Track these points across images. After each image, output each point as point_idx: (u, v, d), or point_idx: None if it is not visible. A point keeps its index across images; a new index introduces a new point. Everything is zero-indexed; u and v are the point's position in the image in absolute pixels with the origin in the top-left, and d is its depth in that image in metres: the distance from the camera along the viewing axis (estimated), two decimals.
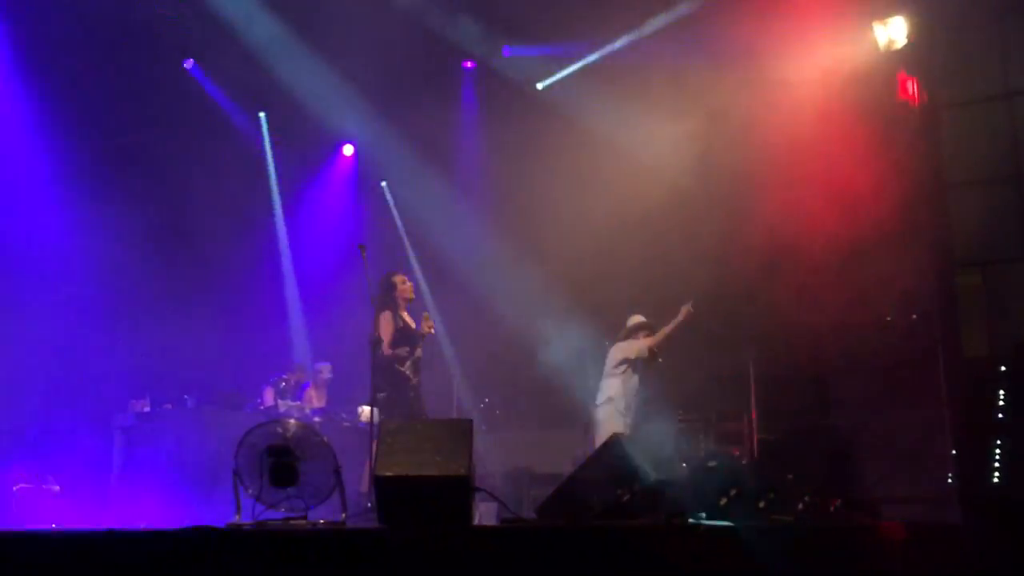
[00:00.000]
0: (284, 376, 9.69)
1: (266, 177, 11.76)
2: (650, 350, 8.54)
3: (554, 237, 10.38)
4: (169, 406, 8.97)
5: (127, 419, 8.89)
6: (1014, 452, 8.12)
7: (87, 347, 9.33)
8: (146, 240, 10.04)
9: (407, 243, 12.08)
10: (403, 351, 7.57)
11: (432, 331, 7.82)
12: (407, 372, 7.57)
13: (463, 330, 11.00)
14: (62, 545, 4.58)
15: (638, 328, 8.73)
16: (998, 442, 8.14)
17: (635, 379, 8.58)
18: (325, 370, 10.03)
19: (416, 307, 8.11)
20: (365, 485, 7.55)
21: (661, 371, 8.84)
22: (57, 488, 8.20)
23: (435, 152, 11.44)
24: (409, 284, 7.91)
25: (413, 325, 7.79)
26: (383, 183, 12.39)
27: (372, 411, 7.10)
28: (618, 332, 8.97)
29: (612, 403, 8.44)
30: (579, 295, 10.09)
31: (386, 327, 7.47)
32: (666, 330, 8.56)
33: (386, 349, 7.45)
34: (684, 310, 8.51)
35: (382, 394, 7.41)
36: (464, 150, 11.64)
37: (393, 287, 7.72)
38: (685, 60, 9.45)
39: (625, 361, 8.52)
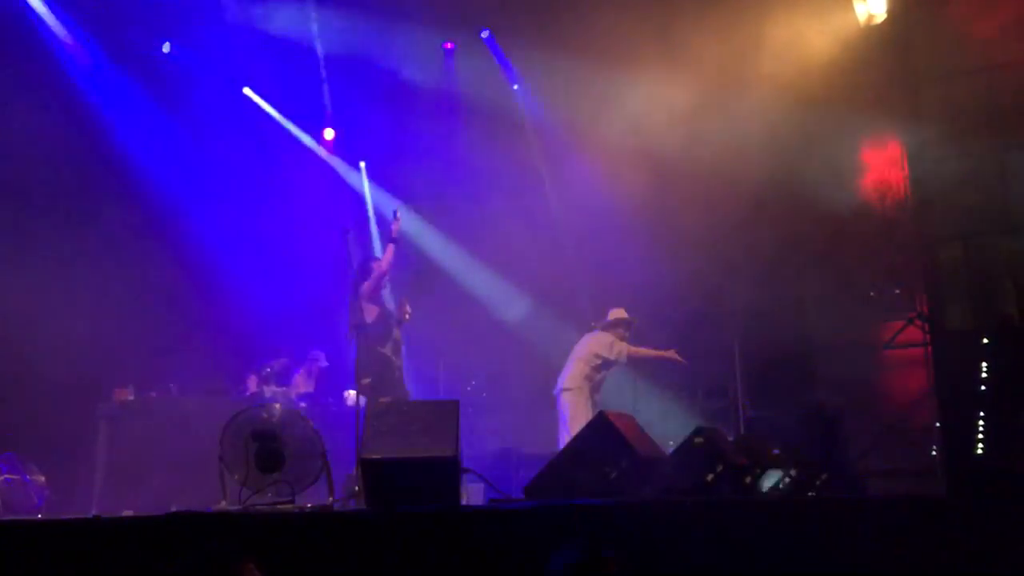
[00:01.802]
0: (270, 364, 9.64)
1: (258, 155, 11.58)
2: (628, 358, 8.54)
3: (538, 214, 10.36)
4: (153, 394, 8.92)
5: (111, 408, 8.82)
6: (997, 424, 8.19)
7: (70, 335, 9.25)
8: (129, 227, 9.95)
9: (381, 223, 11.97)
10: (383, 333, 7.65)
11: (408, 318, 7.90)
12: (389, 354, 7.65)
13: (448, 312, 10.96)
14: (48, 534, 4.55)
15: (618, 324, 8.68)
16: (981, 415, 8.21)
17: (602, 375, 8.61)
18: (320, 358, 9.97)
19: (397, 292, 8.17)
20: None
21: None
22: (43, 479, 8.14)
23: (417, 133, 11.39)
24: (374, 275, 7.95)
25: (391, 308, 7.92)
26: (361, 163, 12.31)
27: (357, 396, 7.12)
28: (598, 318, 8.94)
29: (580, 391, 8.45)
30: (563, 271, 10.08)
31: (365, 312, 7.49)
32: (648, 354, 8.63)
33: (366, 334, 7.48)
34: (672, 352, 8.57)
35: (366, 379, 7.38)
36: (446, 132, 11.55)
37: (370, 272, 7.78)
38: (669, 29, 9.40)
39: (598, 356, 8.50)
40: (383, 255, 7.95)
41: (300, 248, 11.40)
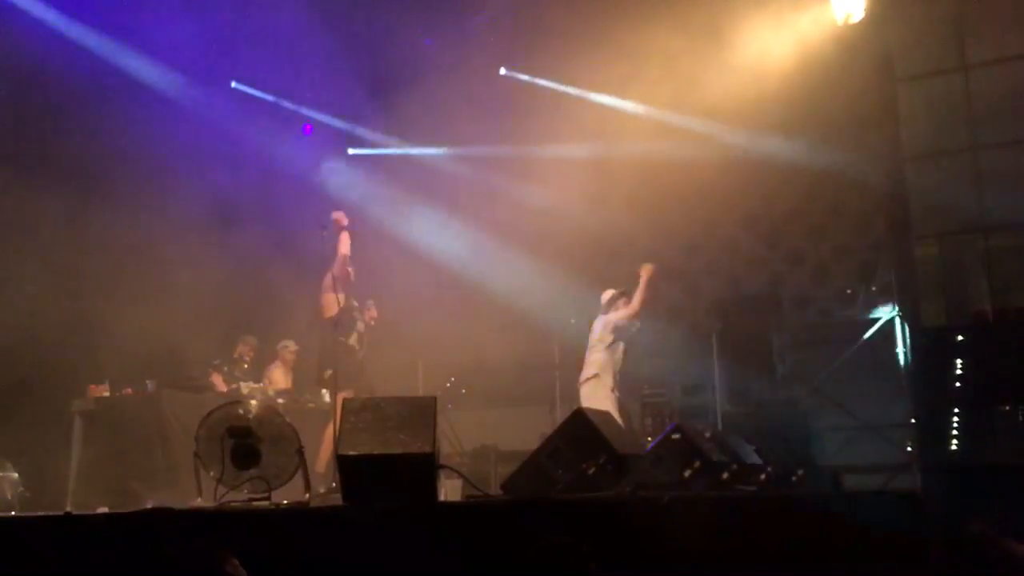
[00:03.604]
0: (232, 357, 9.46)
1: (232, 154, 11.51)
2: (631, 319, 8.39)
3: (519, 213, 10.36)
4: (129, 391, 8.83)
5: (86, 404, 8.74)
6: (971, 420, 8.28)
7: (44, 332, 9.16)
8: (103, 222, 9.85)
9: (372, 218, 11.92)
10: (347, 324, 7.89)
11: (373, 322, 8.16)
12: (353, 344, 7.86)
13: (429, 307, 10.95)
14: (20, 530, 4.51)
15: (615, 298, 8.57)
16: (956, 410, 8.30)
17: (620, 351, 8.40)
18: (291, 345, 9.85)
19: (369, 291, 8.28)
20: (321, 466, 7.57)
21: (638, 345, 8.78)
22: (16, 475, 8.07)
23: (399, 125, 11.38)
24: (351, 269, 8.17)
25: (356, 303, 8.12)
26: (349, 151, 12.31)
27: (330, 390, 7.22)
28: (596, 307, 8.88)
29: (599, 379, 8.28)
30: (544, 271, 10.09)
31: (329, 306, 7.84)
32: (639, 296, 8.39)
33: (329, 325, 7.85)
34: (645, 269, 8.35)
35: (328, 371, 7.70)
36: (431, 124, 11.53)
37: (331, 262, 7.96)
38: (651, 32, 9.40)
39: (610, 334, 8.37)
40: (339, 244, 7.96)
41: (278, 242, 11.34)
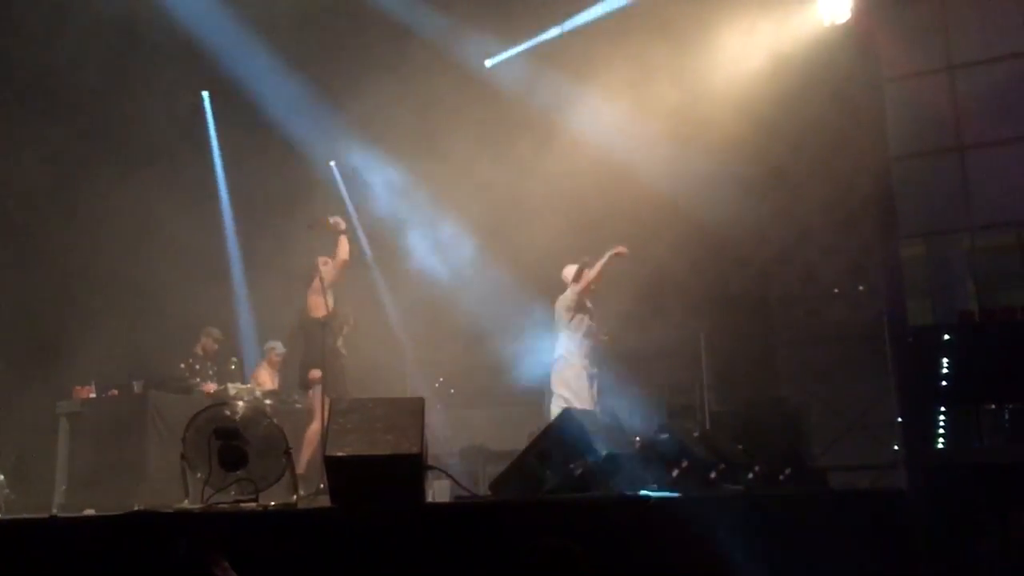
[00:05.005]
0: (193, 352, 9.33)
1: (209, 157, 11.50)
2: (578, 294, 8.21)
3: (504, 215, 10.34)
4: (115, 392, 8.80)
5: (72, 406, 8.71)
6: (957, 419, 8.33)
7: (30, 333, 9.12)
8: (94, 218, 9.82)
9: (356, 223, 11.88)
10: (337, 327, 7.87)
11: (347, 330, 8.17)
12: (340, 348, 7.85)
13: (417, 309, 10.94)
14: (6, 533, 4.49)
15: (577, 274, 8.38)
16: (942, 409, 8.34)
17: (584, 327, 8.21)
18: (277, 347, 9.80)
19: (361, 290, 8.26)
20: (301, 467, 7.54)
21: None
22: (1, 477, 8.03)
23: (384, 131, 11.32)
24: (330, 266, 8.13)
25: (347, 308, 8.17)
26: (331, 163, 12.25)
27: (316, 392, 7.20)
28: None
29: (564, 360, 8.15)
30: (530, 273, 10.08)
31: (317, 307, 7.77)
32: (593, 271, 8.23)
33: (317, 327, 7.74)
34: (615, 247, 8.20)
35: (312, 371, 7.68)
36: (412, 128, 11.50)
37: (316, 269, 7.93)
38: (633, 37, 9.43)
39: (565, 312, 8.22)
40: (338, 248, 7.93)
41: (264, 243, 11.32)
